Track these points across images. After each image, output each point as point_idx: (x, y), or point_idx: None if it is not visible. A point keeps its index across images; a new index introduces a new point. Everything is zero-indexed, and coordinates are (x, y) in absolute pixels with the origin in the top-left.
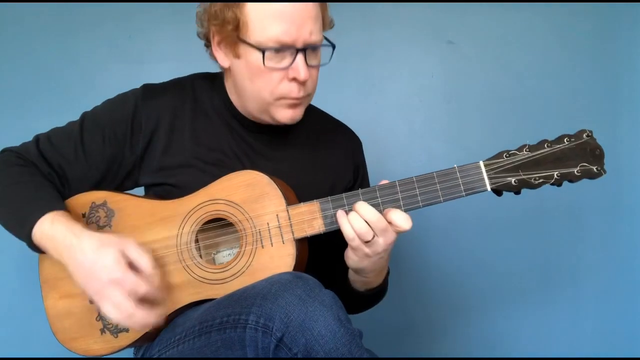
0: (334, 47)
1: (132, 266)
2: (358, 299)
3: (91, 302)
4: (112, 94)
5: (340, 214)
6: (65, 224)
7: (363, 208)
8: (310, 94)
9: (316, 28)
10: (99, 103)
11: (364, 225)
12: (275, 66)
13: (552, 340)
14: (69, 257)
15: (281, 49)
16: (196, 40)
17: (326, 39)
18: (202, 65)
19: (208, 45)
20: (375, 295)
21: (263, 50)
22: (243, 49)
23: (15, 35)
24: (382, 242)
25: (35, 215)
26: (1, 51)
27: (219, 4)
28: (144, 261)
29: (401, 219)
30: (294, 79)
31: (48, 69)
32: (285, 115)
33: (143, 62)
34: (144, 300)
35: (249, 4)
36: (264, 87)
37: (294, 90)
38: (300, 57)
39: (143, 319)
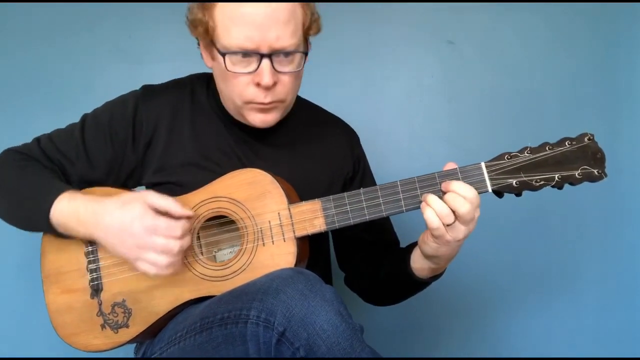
0: (305, 54)
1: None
2: (410, 288)
3: (92, 296)
4: (112, 94)
5: (425, 202)
6: (84, 197)
7: (462, 187)
8: (284, 99)
9: (286, 32)
10: (99, 103)
11: (446, 208)
12: (240, 71)
13: (552, 340)
14: (95, 225)
15: (247, 53)
16: (196, 40)
17: (307, 42)
18: (202, 65)
19: (199, 45)
20: (430, 281)
21: (224, 55)
22: (215, 52)
23: (15, 35)
24: (463, 227)
25: (51, 196)
26: (1, 51)
27: (195, 6)
28: (170, 203)
29: (461, 187)
30: (259, 84)
31: (48, 69)
32: (256, 118)
33: (143, 62)
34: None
35: (217, 7)
36: (233, 91)
37: (259, 95)
38: (265, 63)
39: (187, 243)
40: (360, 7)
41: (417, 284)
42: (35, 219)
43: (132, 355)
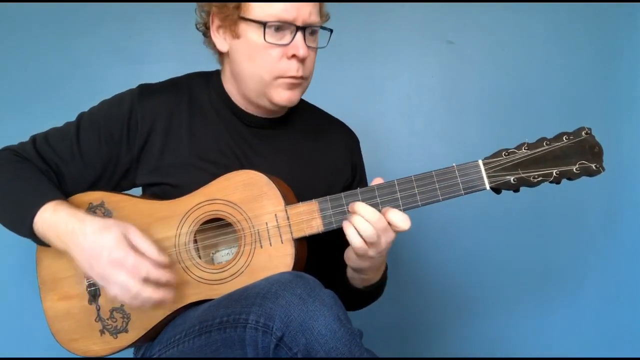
0: (331, 31)
1: (136, 250)
2: (357, 296)
3: (90, 302)
4: (112, 94)
5: (347, 224)
6: (67, 211)
7: (362, 209)
8: (307, 78)
9: (316, 10)
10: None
11: (371, 229)
12: (275, 42)
13: (552, 340)
14: (71, 242)
15: (281, 26)
16: (196, 40)
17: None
18: (202, 65)
19: (206, 34)
20: (374, 291)
21: (264, 24)
22: (243, 28)
23: (15, 35)
24: (384, 241)
25: (36, 205)
26: (1, 51)
27: None
28: (146, 245)
29: (400, 220)
30: (294, 56)
31: (48, 69)
32: (283, 96)
33: (143, 62)
34: (150, 282)
35: None
36: (263, 65)
37: (292, 68)
38: (299, 36)
39: (150, 297)
40: (360, 7)
41: (360, 293)
42: (20, 225)
43: (131, 357)
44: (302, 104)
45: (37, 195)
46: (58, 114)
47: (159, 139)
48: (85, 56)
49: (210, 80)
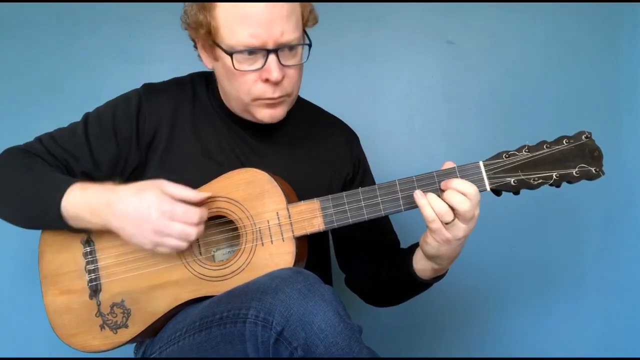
0: (309, 45)
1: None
2: (413, 289)
3: (90, 296)
4: (112, 95)
5: (419, 194)
6: (96, 187)
7: (461, 184)
8: (290, 93)
9: (289, 27)
10: (99, 103)
11: (444, 205)
12: (247, 69)
13: (553, 340)
14: (110, 213)
15: (253, 51)
16: None
17: (306, 34)
18: (202, 65)
19: (196, 47)
20: (433, 282)
21: (231, 54)
22: (218, 52)
23: (15, 36)
24: (463, 225)
25: (61, 189)
26: (1, 51)
27: (194, 7)
28: (185, 190)
29: (462, 184)
30: (267, 80)
31: (48, 69)
32: (265, 114)
33: (143, 62)
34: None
35: (218, 7)
36: (240, 89)
37: (268, 91)
38: (272, 58)
39: (202, 228)
40: (360, 7)
41: (419, 285)
42: (46, 213)
43: (132, 354)
44: (301, 102)
45: (58, 182)
46: (58, 114)
47: (165, 137)
48: (86, 56)
49: (210, 82)
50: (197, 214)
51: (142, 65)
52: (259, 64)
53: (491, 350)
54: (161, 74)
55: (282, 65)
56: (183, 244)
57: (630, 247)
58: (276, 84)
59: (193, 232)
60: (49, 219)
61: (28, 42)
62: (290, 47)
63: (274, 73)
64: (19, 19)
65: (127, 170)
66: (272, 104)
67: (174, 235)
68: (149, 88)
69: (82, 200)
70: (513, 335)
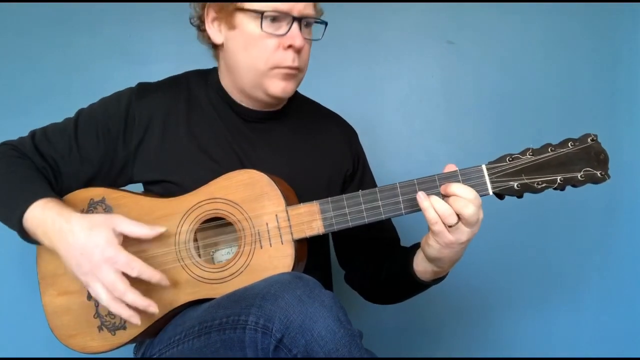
0: (326, 24)
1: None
2: (413, 290)
3: (89, 297)
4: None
5: (422, 196)
6: (56, 210)
7: (462, 189)
8: (302, 69)
9: (310, 4)
10: None
11: (448, 207)
12: (272, 32)
13: (552, 340)
14: (59, 241)
15: (277, 17)
16: (196, 40)
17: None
18: (202, 66)
19: (200, 27)
20: (432, 284)
21: (262, 13)
22: (239, 19)
23: (15, 35)
24: (467, 229)
25: (27, 201)
26: (1, 51)
27: None
28: (137, 228)
29: (461, 189)
30: (290, 47)
31: (48, 69)
32: (278, 86)
33: (143, 62)
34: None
35: None
36: (259, 56)
37: (288, 58)
38: (295, 26)
39: (134, 301)
40: (360, 7)
41: (420, 286)
42: (9, 219)
43: (132, 354)
44: (299, 97)
45: (29, 193)
46: (58, 113)
47: (157, 136)
48: (86, 56)
49: (208, 77)
50: (137, 267)
51: (142, 65)
52: (282, 30)
53: (491, 351)
54: (161, 74)
55: (302, 36)
56: (108, 295)
57: (630, 247)
58: (298, 51)
59: (122, 287)
60: (11, 225)
61: (28, 41)
62: (307, 24)
63: (298, 39)
64: (19, 19)
65: (114, 169)
66: (288, 74)
67: (105, 283)
68: (142, 87)
69: (39, 219)
70: (513, 336)
